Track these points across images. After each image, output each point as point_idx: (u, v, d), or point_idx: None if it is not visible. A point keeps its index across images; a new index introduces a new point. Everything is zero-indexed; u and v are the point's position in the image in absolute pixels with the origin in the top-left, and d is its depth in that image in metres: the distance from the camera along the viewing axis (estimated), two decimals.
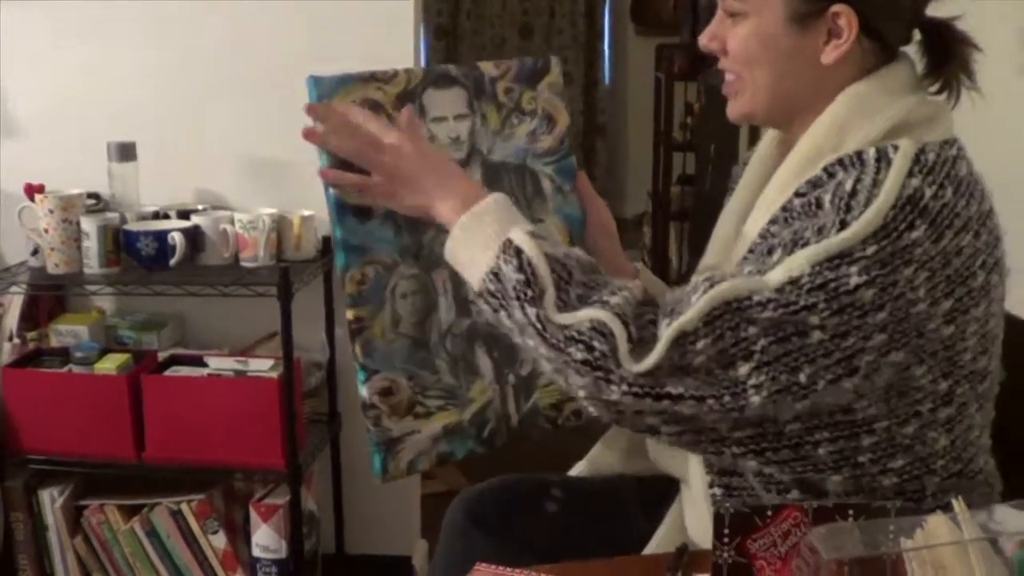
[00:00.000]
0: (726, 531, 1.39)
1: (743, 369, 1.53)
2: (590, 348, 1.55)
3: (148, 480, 3.16)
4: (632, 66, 9.24)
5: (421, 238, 1.81)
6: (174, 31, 3.31)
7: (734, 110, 1.79)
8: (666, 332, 1.53)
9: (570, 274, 1.61)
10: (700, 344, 1.52)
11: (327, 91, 1.74)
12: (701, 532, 1.74)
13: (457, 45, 9.32)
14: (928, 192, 1.53)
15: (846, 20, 1.64)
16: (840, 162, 1.61)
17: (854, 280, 1.50)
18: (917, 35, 1.74)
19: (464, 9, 9.29)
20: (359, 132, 1.72)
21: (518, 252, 1.61)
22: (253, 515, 3.10)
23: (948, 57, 1.71)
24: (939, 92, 1.73)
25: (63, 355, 3.14)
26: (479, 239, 1.66)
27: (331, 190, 1.75)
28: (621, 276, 1.89)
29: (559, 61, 1.99)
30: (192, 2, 3.28)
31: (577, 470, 2.14)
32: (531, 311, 1.59)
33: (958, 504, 1.29)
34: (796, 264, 1.51)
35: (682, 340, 1.52)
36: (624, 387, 1.55)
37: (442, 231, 1.72)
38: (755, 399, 1.54)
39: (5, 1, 3.33)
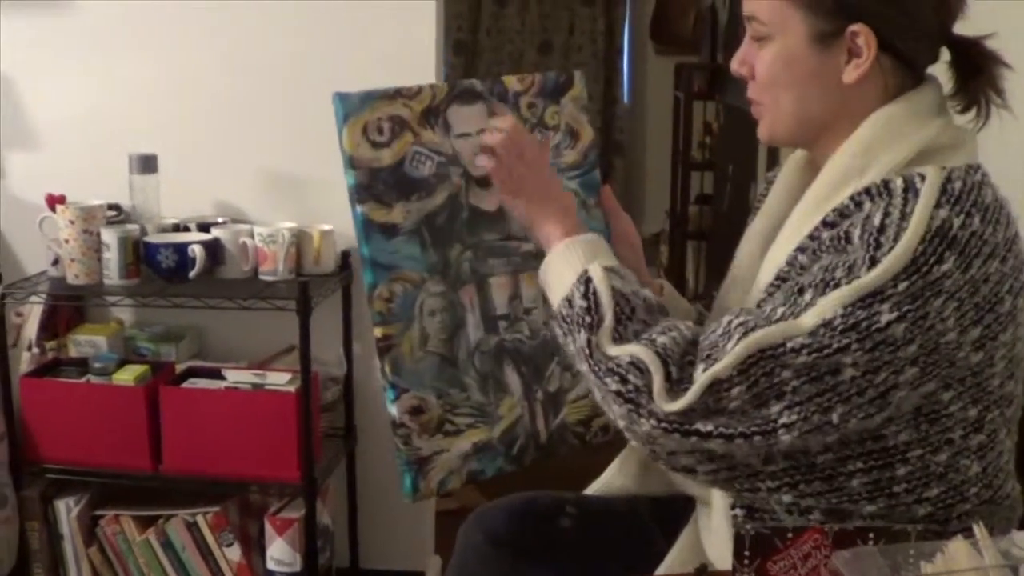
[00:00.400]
0: (747, 552, 1.39)
1: (775, 408, 1.55)
2: (624, 381, 1.59)
3: (164, 491, 3.16)
4: (651, 85, 9.23)
5: (448, 255, 1.81)
6: (197, 44, 3.32)
7: (763, 132, 1.80)
8: (701, 378, 1.55)
9: (632, 310, 1.66)
10: (734, 391, 1.54)
11: (353, 108, 1.75)
12: (719, 552, 1.74)
13: (476, 61, 9.33)
14: (956, 222, 1.52)
15: (864, 39, 1.64)
16: (868, 191, 1.60)
17: (885, 317, 1.51)
18: (946, 55, 1.74)
19: (484, 25, 9.30)
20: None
21: (588, 281, 1.68)
22: (268, 528, 3.10)
23: (976, 75, 1.71)
24: (967, 110, 1.72)
25: (81, 365, 3.14)
26: (565, 267, 1.73)
27: (358, 208, 1.76)
28: None
29: (583, 75, 1.98)
30: (215, 16, 3.30)
31: (592, 489, 2.14)
32: (585, 336, 1.65)
33: (979, 530, 1.28)
34: (829, 306, 1.52)
35: (716, 386, 1.54)
36: (653, 421, 1.57)
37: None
38: (785, 438, 1.56)
39: (29, 13, 3.34)
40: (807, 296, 1.55)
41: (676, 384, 1.57)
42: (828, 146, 1.72)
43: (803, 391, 1.53)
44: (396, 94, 1.78)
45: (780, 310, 1.57)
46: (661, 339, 1.61)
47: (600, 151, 9.00)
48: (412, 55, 3.18)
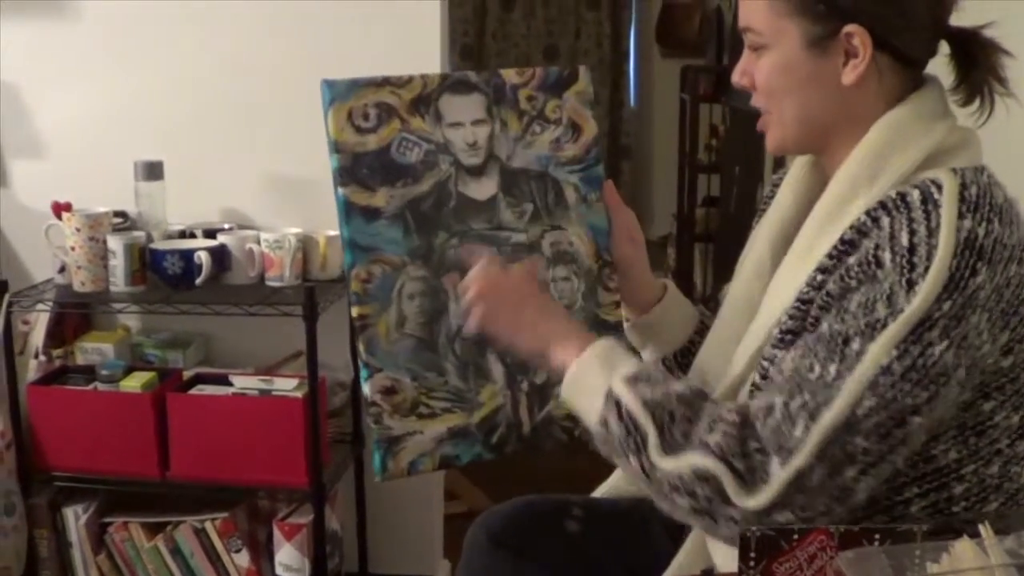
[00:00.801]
0: (752, 554, 1.39)
1: (850, 474, 1.54)
2: (693, 495, 1.57)
3: (172, 498, 3.16)
4: (657, 88, 9.23)
5: (432, 241, 1.82)
6: (202, 50, 3.32)
7: (771, 143, 1.80)
8: (780, 474, 1.53)
9: (671, 415, 1.62)
10: (814, 475, 1.52)
11: (339, 93, 1.78)
12: (725, 555, 1.74)
13: (482, 65, 9.33)
14: (980, 231, 1.52)
15: (860, 40, 1.64)
16: (883, 206, 1.58)
17: (938, 348, 1.50)
18: (945, 49, 1.74)
19: (490, 29, 9.30)
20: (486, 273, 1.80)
21: (617, 403, 1.65)
22: (277, 534, 3.10)
23: (975, 66, 1.71)
24: (969, 102, 1.72)
25: (88, 373, 3.15)
26: (587, 390, 1.71)
27: (340, 191, 1.77)
28: (647, 290, 1.98)
29: (588, 71, 1.97)
30: (220, 22, 3.30)
31: (599, 492, 2.13)
32: (635, 460, 1.63)
33: (985, 529, 1.28)
34: (882, 351, 1.51)
35: (799, 480, 1.53)
36: (732, 523, 1.56)
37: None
38: (861, 497, 1.55)
39: (34, 20, 3.35)
40: (855, 345, 1.53)
41: (748, 479, 1.55)
42: (837, 153, 1.72)
43: (875, 451, 1.53)
44: (384, 82, 1.81)
45: (832, 368, 1.54)
46: (714, 438, 1.57)
47: (608, 154, 8.99)
48: (417, 60, 3.17)
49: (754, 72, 1.75)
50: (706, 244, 6.59)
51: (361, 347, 1.77)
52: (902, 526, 1.37)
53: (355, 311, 1.77)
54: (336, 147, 1.78)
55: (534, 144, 1.91)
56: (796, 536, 1.37)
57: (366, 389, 1.78)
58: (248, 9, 3.29)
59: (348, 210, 1.77)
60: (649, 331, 2.05)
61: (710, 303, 2.16)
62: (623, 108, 9.33)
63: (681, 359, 2.06)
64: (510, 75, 1.90)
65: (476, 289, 1.77)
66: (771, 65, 1.72)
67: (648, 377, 1.68)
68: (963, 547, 1.27)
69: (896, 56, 1.68)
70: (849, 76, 1.67)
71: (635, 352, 1.96)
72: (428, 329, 1.81)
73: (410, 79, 1.82)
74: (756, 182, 4.95)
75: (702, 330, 2.04)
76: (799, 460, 1.52)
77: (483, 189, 1.86)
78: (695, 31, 7.94)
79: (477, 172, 1.85)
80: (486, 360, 1.85)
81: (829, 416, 1.51)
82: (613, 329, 1.94)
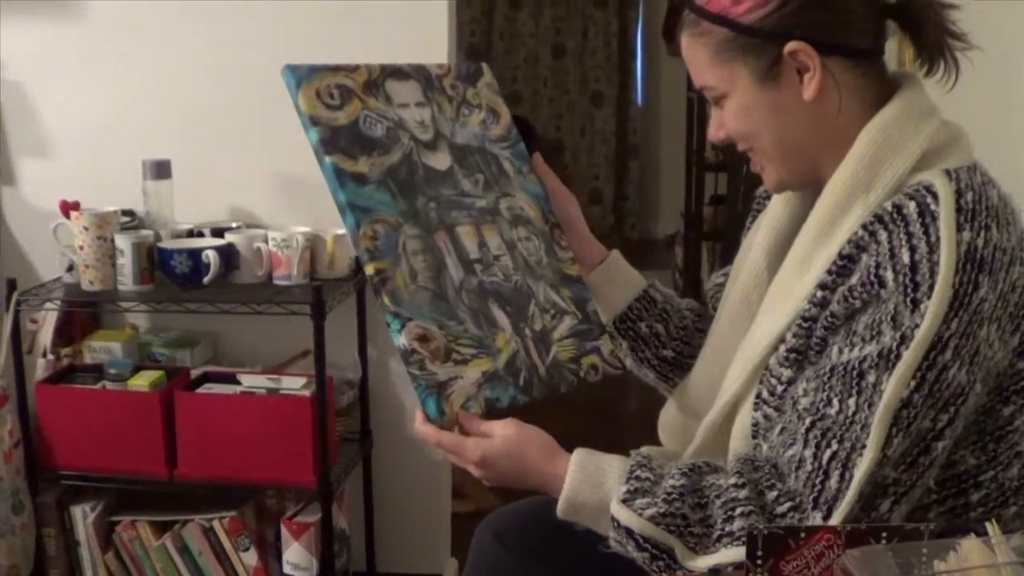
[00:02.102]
0: (759, 552, 1.39)
1: (884, 507, 1.55)
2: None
3: (180, 496, 3.17)
4: (665, 86, 9.24)
5: (415, 204, 1.86)
6: (207, 50, 3.33)
7: (768, 183, 1.81)
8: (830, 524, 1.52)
9: (684, 518, 1.61)
10: (853, 515, 1.52)
11: (304, 75, 1.86)
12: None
13: (490, 64, 9.32)
14: (979, 241, 1.51)
15: (803, 53, 1.64)
16: (880, 219, 1.57)
17: (952, 371, 1.50)
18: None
19: (497, 28, 9.32)
20: (450, 450, 1.80)
21: (628, 531, 1.64)
22: (284, 532, 3.10)
23: (923, 29, 1.69)
24: (933, 69, 1.70)
25: (96, 371, 3.15)
26: (589, 517, 1.72)
27: (327, 159, 1.80)
28: (589, 248, 2.06)
29: (489, 68, 2.16)
30: (228, 22, 3.30)
31: None
32: (670, 574, 1.62)
33: (992, 527, 1.28)
34: (900, 383, 1.50)
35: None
36: None
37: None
38: (895, 522, 1.55)
39: (42, 20, 3.35)
40: (871, 377, 1.53)
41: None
42: (831, 173, 1.70)
43: (905, 481, 1.54)
44: (337, 68, 1.89)
45: (851, 403, 1.54)
46: (737, 524, 1.57)
47: (615, 152, 8.99)
48: (425, 59, 3.16)
49: (726, 122, 1.76)
50: (713, 242, 6.59)
51: (387, 300, 1.77)
52: (909, 525, 1.37)
53: (372, 267, 1.78)
54: (313, 120, 1.83)
55: (467, 124, 2.02)
56: (803, 535, 1.37)
57: (402, 340, 1.77)
58: (256, 9, 3.29)
59: (339, 176, 1.81)
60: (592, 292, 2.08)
61: (700, 294, 2.17)
62: (630, 106, 9.34)
63: (620, 325, 2.08)
64: (433, 67, 2.03)
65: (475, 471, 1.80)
66: (735, 111, 1.72)
67: (646, 489, 1.66)
68: (970, 545, 1.27)
69: (846, 54, 1.67)
70: (808, 91, 1.66)
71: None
72: (437, 282, 1.83)
73: (356, 67, 1.91)
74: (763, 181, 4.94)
75: (648, 303, 2.08)
76: (840, 515, 1.52)
77: (440, 161, 1.95)
78: None
79: (431, 146, 1.94)
80: (490, 310, 1.88)
81: (863, 465, 1.51)
82: (577, 282, 2.02)
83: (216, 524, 3.13)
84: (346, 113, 1.86)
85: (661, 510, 1.61)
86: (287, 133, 3.26)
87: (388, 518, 3.50)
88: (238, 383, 3.07)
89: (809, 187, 1.81)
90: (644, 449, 1.80)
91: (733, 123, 1.74)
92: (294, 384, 3.03)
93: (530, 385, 1.87)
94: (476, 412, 1.79)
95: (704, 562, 1.58)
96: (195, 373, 3.18)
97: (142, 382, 3.05)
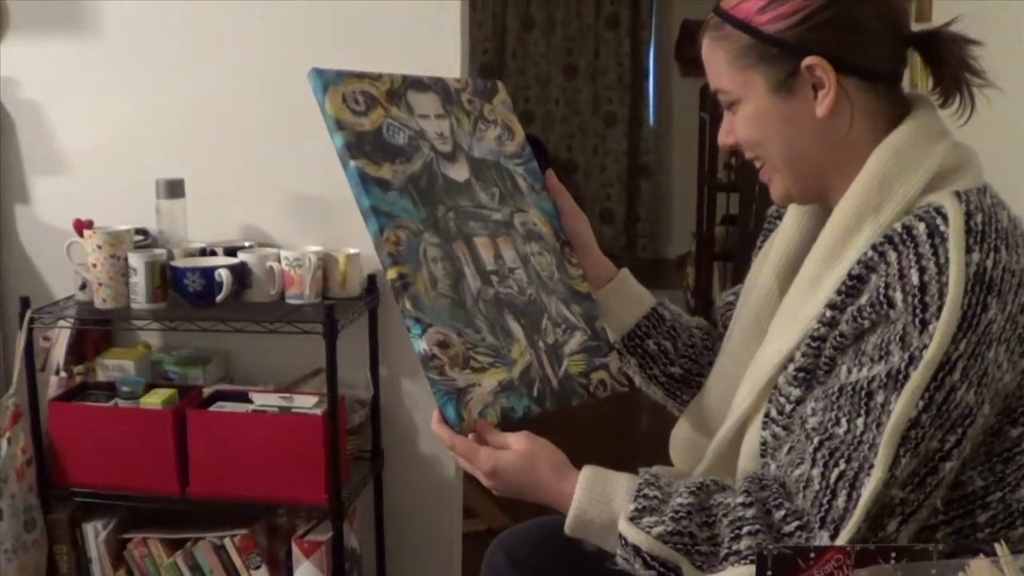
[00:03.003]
0: (769, 572, 1.39)
1: (891, 527, 1.55)
2: None
3: (191, 514, 3.17)
4: (677, 106, 9.25)
5: (435, 213, 1.88)
6: (221, 70, 3.34)
7: (774, 194, 1.82)
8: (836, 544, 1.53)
9: (691, 536, 1.62)
10: (860, 535, 1.53)
11: (331, 80, 1.88)
12: None
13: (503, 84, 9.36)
14: (988, 263, 1.52)
15: (821, 69, 1.65)
16: (889, 240, 1.58)
17: (960, 392, 1.51)
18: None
19: (510, 48, 9.34)
20: (462, 455, 1.81)
21: (636, 549, 1.64)
22: (295, 551, 3.10)
23: (944, 63, 1.70)
24: (948, 102, 1.72)
25: (109, 389, 3.16)
26: (597, 534, 1.73)
27: (352, 163, 1.81)
28: (599, 266, 2.08)
29: (503, 86, 2.18)
30: (241, 42, 3.32)
31: None
32: None
33: (1001, 548, 1.28)
34: (909, 403, 1.51)
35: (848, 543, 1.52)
36: None
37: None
38: (903, 542, 1.56)
39: (56, 39, 3.37)
40: (879, 398, 1.53)
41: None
42: (840, 190, 1.71)
43: (912, 501, 1.55)
44: (362, 75, 1.92)
45: (859, 423, 1.55)
46: (744, 543, 1.57)
47: (627, 172, 9.00)
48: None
49: (735, 129, 1.77)
50: (725, 263, 6.60)
51: (408, 304, 1.77)
52: (919, 545, 1.37)
53: (394, 272, 1.78)
54: (339, 124, 1.84)
55: (484, 139, 2.05)
56: (812, 555, 1.37)
57: (422, 344, 1.77)
58: (270, 30, 3.30)
59: (364, 180, 1.82)
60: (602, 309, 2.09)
61: (711, 314, 2.18)
62: (642, 127, 9.36)
63: (629, 342, 2.09)
64: (451, 81, 2.05)
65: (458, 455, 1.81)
66: (746, 117, 1.74)
67: (648, 504, 1.67)
68: (979, 566, 1.27)
69: (863, 76, 1.68)
70: (821, 107, 1.68)
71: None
72: (456, 290, 1.84)
73: (380, 75, 1.94)
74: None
75: (656, 320, 2.09)
76: (847, 535, 1.53)
77: (459, 172, 1.96)
78: None
79: (451, 158, 1.96)
80: (506, 321, 1.89)
81: (871, 483, 1.52)
82: (586, 299, 2.04)
83: (227, 542, 3.13)
84: (370, 120, 1.87)
85: (669, 528, 1.62)
86: (300, 153, 3.30)
87: (399, 537, 3.51)
88: (250, 401, 3.08)
89: (815, 202, 1.83)
90: (652, 468, 1.80)
91: (743, 130, 1.76)
92: (306, 403, 3.04)
93: (543, 397, 1.89)
94: (492, 421, 1.80)
95: None
96: (207, 391, 3.19)
97: (154, 400, 3.06)
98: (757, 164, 1.80)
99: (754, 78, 1.71)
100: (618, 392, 2.01)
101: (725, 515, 1.62)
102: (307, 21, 3.28)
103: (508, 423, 1.81)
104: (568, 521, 1.73)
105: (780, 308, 1.77)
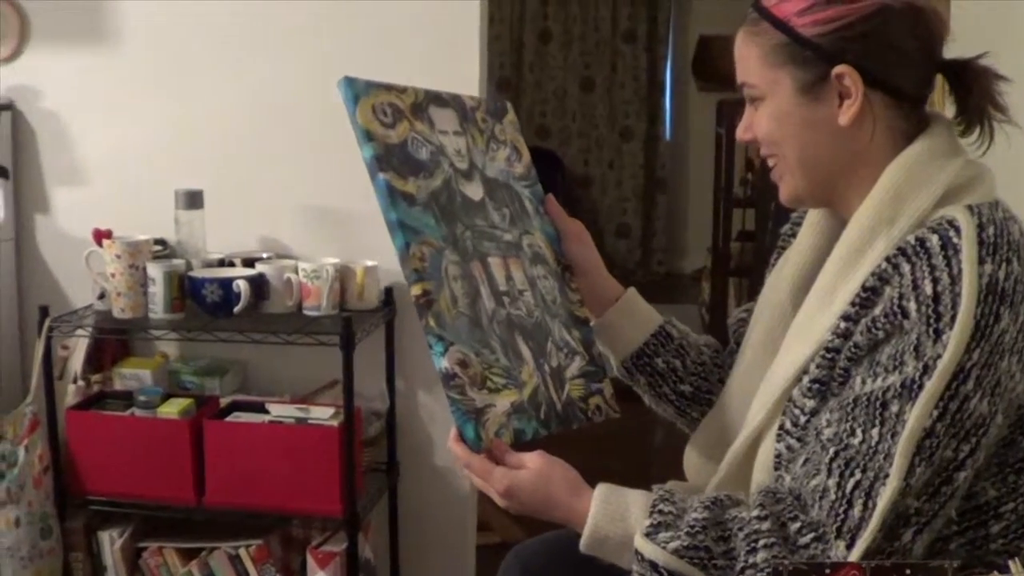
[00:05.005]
0: None
1: (907, 537, 1.55)
2: None
3: (207, 524, 3.18)
4: (693, 121, 9.26)
5: (454, 231, 1.87)
6: (242, 81, 3.36)
7: (783, 194, 1.83)
8: (852, 557, 1.53)
9: (707, 551, 1.62)
10: (876, 546, 1.53)
11: (361, 89, 1.86)
12: None
13: (520, 98, 9.37)
14: (1001, 274, 1.53)
15: (850, 79, 1.67)
16: (903, 252, 1.59)
17: (974, 401, 1.52)
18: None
19: (527, 62, 9.35)
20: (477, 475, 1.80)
21: (653, 566, 1.64)
22: (310, 561, 3.11)
23: (969, 94, 1.72)
24: (968, 132, 1.73)
25: (126, 398, 3.18)
26: (612, 552, 1.72)
27: (381, 176, 1.79)
28: (605, 290, 2.08)
29: (511, 106, 2.19)
30: (260, 53, 3.33)
31: None
32: None
33: (1015, 565, 1.29)
34: (923, 413, 1.51)
35: (866, 557, 1.52)
36: None
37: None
38: (920, 551, 1.57)
39: (77, 49, 3.39)
40: (894, 407, 1.54)
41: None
42: (850, 199, 1.74)
43: (927, 510, 1.55)
44: (390, 87, 1.91)
45: (875, 433, 1.55)
46: (760, 556, 1.57)
47: (643, 187, 8.99)
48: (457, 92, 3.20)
49: (755, 125, 1.79)
50: (740, 278, 6.59)
51: (432, 322, 1.76)
52: (933, 562, 1.37)
53: (418, 288, 1.77)
54: (368, 135, 1.82)
55: (496, 159, 2.05)
56: (828, 571, 1.38)
57: (444, 363, 1.76)
58: (289, 44, 3.32)
59: (391, 193, 1.80)
60: (606, 333, 2.10)
61: (722, 330, 2.19)
62: (659, 141, 9.35)
63: (637, 361, 2.10)
64: (467, 99, 2.06)
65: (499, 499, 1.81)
66: (769, 115, 1.75)
67: (663, 520, 1.67)
68: None
69: (890, 92, 1.70)
70: (845, 116, 1.69)
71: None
72: (473, 309, 1.84)
73: (405, 89, 1.93)
74: (791, 217, 4.95)
75: (664, 338, 2.09)
76: (864, 545, 1.53)
77: (475, 191, 1.96)
78: (731, 65, 7.93)
79: (467, 176, 1.95)
80: (516, 343, 1.89)
81: (886, 494, 1.52)
82: (584, 324, 2.06)
83: (242, 552, 3.13)
84: (397, 132, 1.87)
85: (685, 543, 1.62)
86: (318, 165, 3.31)
87: (413, 549, 3.51)
88: (266, 412, 3.09)
89: (821, 207, 1.86)
90: (666, 484, 1.81)
91: (763, 127, 1.77)
92: (322, 414, 3.05)
93: (549, 420, 1.89)
94: (507, 441, 1.80)
95: None
96: (224, 401, 3.20)
97: (171, 410, 3.07)
98: (771, 162, 1.81)
99: (782, 77, 1.72)
100: (611, 417, 2.02)
101: (740, 529, 1.62)
102: (327, 34, 3.30)
103: (518, 444, 1.82)
104: (583, 539, 1.73)
105: (794, 322, 1.78)
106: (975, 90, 1.71)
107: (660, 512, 1.68)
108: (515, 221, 2.01)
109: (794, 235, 1.97)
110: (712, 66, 8.43)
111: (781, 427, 1.72)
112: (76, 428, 3.11)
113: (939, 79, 1.76)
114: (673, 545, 1.63)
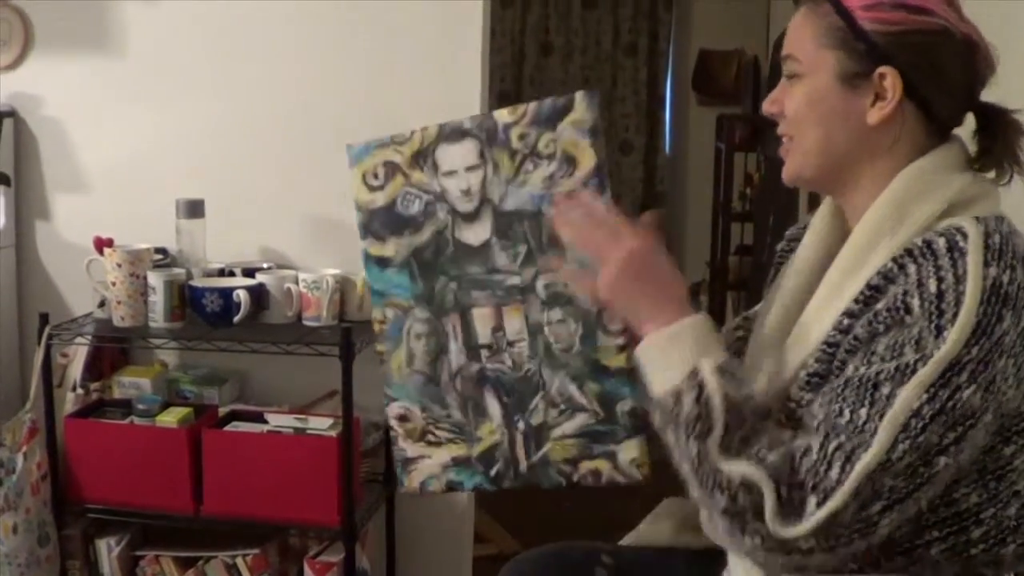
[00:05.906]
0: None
1: (875, 509, 1.55)
2: (733, 499, 1.57)
3: (204, 533, 3.18)
4: (693, 135, 9.25)
5: (433, 286, 1.91)
6: (243, 91, 3.37)
7: (787, 171, 1.84)
8: (818, 514, 1.53)
9: (742, 420, 1.62)
10: (848, 515, 1.53)
11: (357, 156, 1.94)
12: None
13: None
14: (1005, 278, 1.54)
15: (891, 81, 1.68)
16: (910, 253, 1.61)
17: (966, 392, 1.53)
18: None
19: (527, 75, 9.35)
20: (603, 224, 1.79)
21: (701, 386, 1.64)
22: (307, 571, 3.11)
23: (996, 142, 1.74)
24: (984, 169, 1.76)
25: (125, 407, 3.18)
26: (670, 362, 1.69)
27: (362, 243, 1.93)
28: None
29: (586, 97, 1.83)
30: (261, 64, 3.35)
31: (628, 540, 2.14)
32: (694, 445, 1.62)
33: None
34: (912, 394, 1.53)
35: (833, 519, 1.53)
36: (758, 540, 1.57)
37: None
38: (883, 532, 1.57)
39: (79, 57, 3.40)
40: (884, 390, 1.55)
41: (787, 508, 1.55)
42: (851, 195, 1.77)
43: (901, 488, 1.55)
44: (390, 141, 1.91)
45: (863, 412, 1.56)
46: (772, 457, 1.58)
47: (642, 201, 8.94)
48: (457, 105, 3.19)
49: (785, 100, 1.80)
50: (739, 292, 6.61)
51: (383, 379, 1.96)
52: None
53: (378, 347, 1.97)
54: (356, 206, 1.94)
55: (527, 183, 1.85)
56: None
57: (386, 414, 1.97)
58: (291, 54, 3.34)
59: (367, 261, 1.95)
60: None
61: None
62: (658, 155, 9.34)
63: None
64: (503, 115, 1.86)
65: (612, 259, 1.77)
66: (802, 94, 1.77)
67: (734, 374, 1.67)
68: None
69: (922, 108, 1.71)
70: (874, 116, 1.71)
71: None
72: (433, 367, 1.94)
73: (411, 135, 1.91)
74: (785, 234, 4.96)
75: None
76: (835, 502, 1.53)
77: (478, 234, 1.89)
78: (732, 79, 7.96)
79: (471, 218, 1.90)
80: (483, 398, 1.93)
81: (865, 459, 1.53)
82: (613, 375, 1.85)
83: (240, 561, 3.14)
84: (386, 193, 1.92)
85: (737, 399, 1.63)
86: (320, 175, 3.32)
87: (410, 560, 3.51)
88: (265, 422, 3.09)
89: (818, 191, 1.89)
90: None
91: (792, 105, 1.78)
92: (321, 424, 3.05)
93: (501, 477, 1.95)
94: (435, 491, 1.98)
95: (722, 461, 1.60)
96: (223, 411, 3.21)
97: (170, 418, 3.08)
98: (784, 139, 1.83)
99: (828, 59, 1.73)
100: (623, 484, 1.89)
101: (772, 434, 1.62)
102: (328, 46, 3.31)
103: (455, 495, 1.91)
104: (661, 329, 1.71)
105: (796, 327, 1.78)
106: (1000, 139, 1.74)
107: (734, 365, 1.70)
108: (532, 259, 1.86)
109: (791, 250, 1.97)
110: (712, 81, 8.43)
111: (776, 421, 1.72)
112: (75, 436, 3.11)
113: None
114: (729, 391, 1.63)
